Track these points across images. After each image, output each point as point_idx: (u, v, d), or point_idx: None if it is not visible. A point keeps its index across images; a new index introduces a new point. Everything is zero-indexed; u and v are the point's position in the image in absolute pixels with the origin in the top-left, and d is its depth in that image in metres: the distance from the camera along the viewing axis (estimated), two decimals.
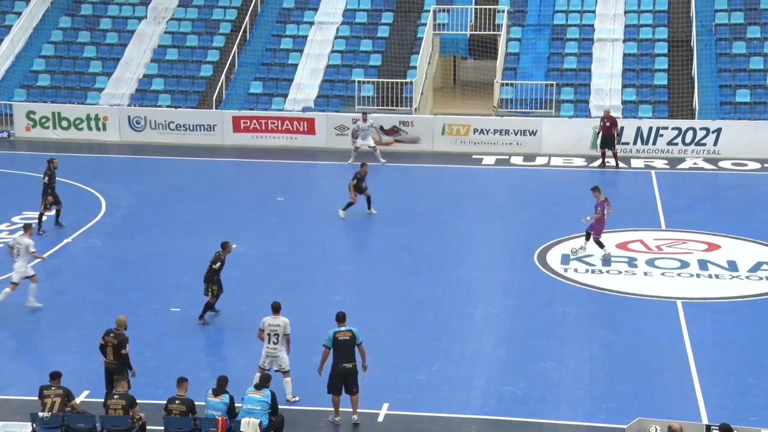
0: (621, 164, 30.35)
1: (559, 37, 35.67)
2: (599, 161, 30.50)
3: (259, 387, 14.02)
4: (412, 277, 21.41)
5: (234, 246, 19.32)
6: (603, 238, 22.10)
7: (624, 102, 32.92)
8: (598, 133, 30.37)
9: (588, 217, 21.99)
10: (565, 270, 21.52)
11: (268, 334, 15.38)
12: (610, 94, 33.13)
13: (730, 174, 29.81)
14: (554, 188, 28.62)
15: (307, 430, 14.86)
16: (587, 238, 22.18)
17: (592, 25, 35.66)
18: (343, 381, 14.85)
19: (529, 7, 36.66)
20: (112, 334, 15.13)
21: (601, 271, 21.48)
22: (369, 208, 25.34)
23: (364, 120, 30.39)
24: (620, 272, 21.44)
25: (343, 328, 14.96)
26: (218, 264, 18.47)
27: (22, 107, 33.68)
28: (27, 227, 19.64)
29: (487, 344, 17.92)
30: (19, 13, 37.33)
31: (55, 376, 14.25)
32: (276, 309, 15.59)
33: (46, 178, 23.70)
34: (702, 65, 33.43)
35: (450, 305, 19.79)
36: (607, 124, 30.09)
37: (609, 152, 30.24)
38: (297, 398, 15.51)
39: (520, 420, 15.16)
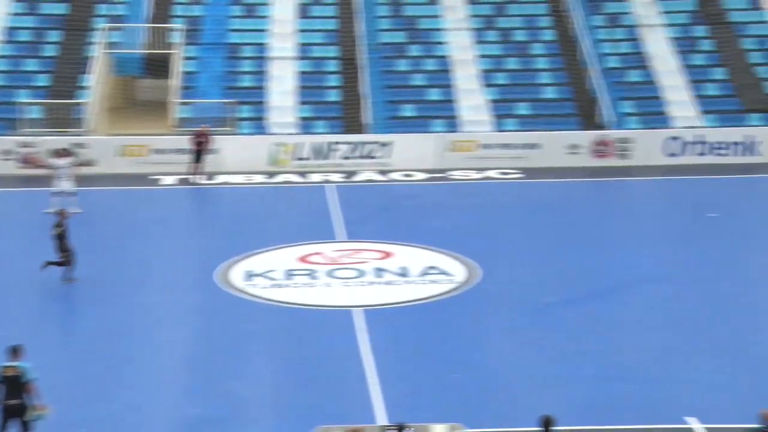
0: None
1: (235, 55, 35.96)
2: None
3: None
4: None
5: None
6: (283, 252, 22.57)
7: (301, 118, 33.78)
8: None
9: None
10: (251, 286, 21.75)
11: None
12: (287, 111, 33.88)
13: (401, 185, 31.45)
14: (232, 206, 28.90)
15: None
16: None
17: (267, 44, 36.29)
18: None
19: (203, 26, 36.63)
20: None
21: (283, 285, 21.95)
22: None
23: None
24: (301, 285, 22.01)
25: None
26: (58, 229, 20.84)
27: None
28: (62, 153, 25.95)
29: None
30: None
31: None
32: None
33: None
34: (370, 82, 35.06)
35: None
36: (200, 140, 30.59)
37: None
38: None
39: None
